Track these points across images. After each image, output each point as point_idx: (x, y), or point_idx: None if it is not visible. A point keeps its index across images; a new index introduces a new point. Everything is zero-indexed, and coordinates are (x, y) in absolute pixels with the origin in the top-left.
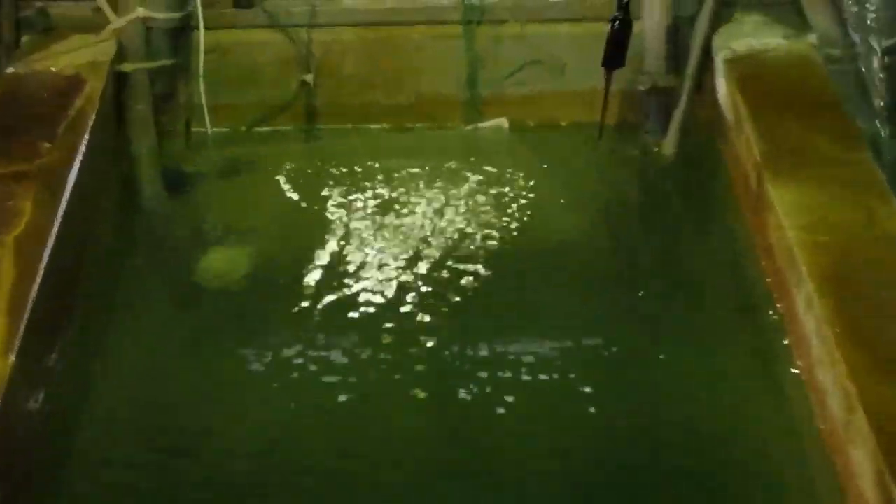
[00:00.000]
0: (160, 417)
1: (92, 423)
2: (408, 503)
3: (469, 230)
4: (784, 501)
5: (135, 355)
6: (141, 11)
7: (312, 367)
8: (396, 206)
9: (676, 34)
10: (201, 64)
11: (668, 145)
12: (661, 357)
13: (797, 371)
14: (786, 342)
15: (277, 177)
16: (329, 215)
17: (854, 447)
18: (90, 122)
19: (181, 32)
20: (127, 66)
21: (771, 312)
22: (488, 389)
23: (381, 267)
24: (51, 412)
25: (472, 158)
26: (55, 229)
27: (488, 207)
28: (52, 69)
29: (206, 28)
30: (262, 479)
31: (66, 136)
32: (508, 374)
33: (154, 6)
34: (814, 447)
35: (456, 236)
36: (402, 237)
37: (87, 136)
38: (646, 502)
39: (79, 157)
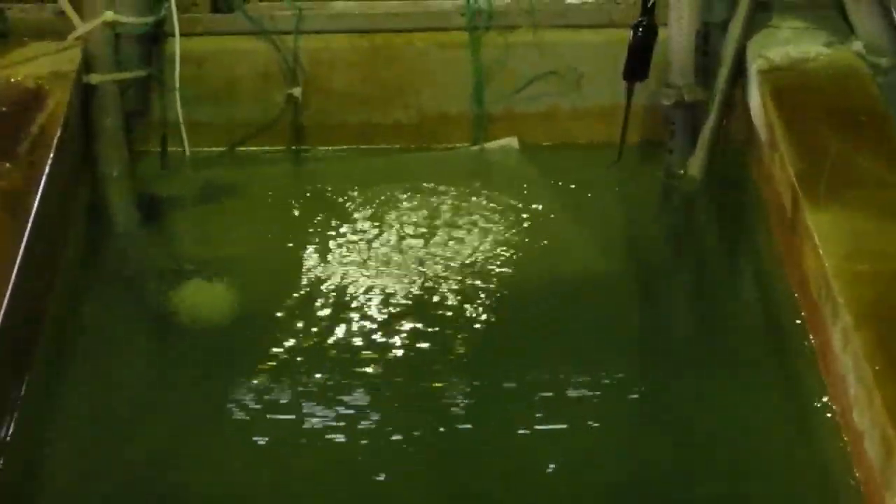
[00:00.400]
0: (125, 467)
1: (53, 472)
2: None
3: (473, 263)
4: None
5: (104, 400)
6: (108, 15)
7: (297, 416)
8: (393, 237)
9: (706, 42)
10: (177, 76)
11: (695, 166)
12: (684, 398)
13: (831, 414)
14: (820, 382)
15: (261, 203)
16: (318, 246)
17: (891, 494)
18: (55, 141)
19: (154, 40)
20: (94, 78)
21: (805, 349)
22: (500, 437)
23: (375, 304)
24: (11, 459)
25: (478, 183)
26: (18, 261)
27: (495, 237)
28: (11, 80)
29: (182, 35)
30: None
31: (29, 155)
32: (521, 422)
33: (123, 9)
34: (848, 494)
35: (459, 270)
36: (399, 271)
37: (51, 156)
38: None
39: (43, 180)
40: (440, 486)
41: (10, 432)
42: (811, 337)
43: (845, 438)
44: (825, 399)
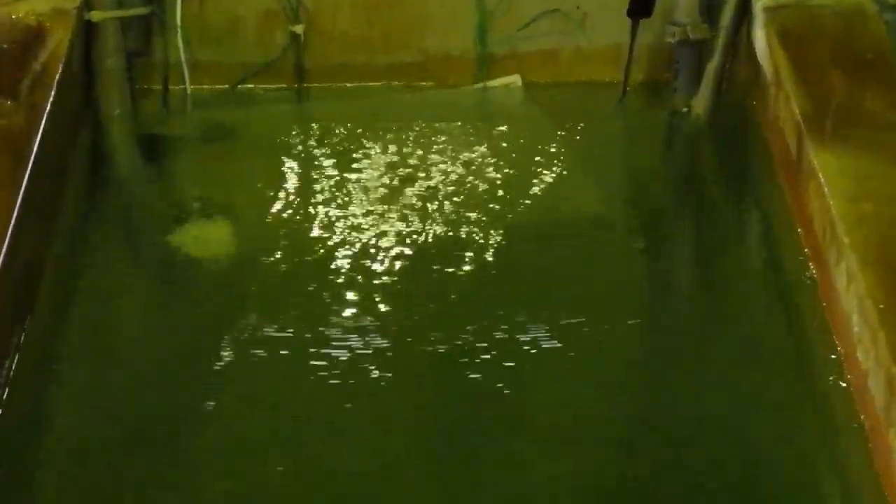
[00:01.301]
0: (128, 403)
1: (57, 413)
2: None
3: (477, 201)
4: (817, 481)
5: (105, 339)
6: None
7: (297, 355)
8: (395, 175)
9: None
10: (178, 14)
11: (700, 105)
12: (687, 339)
13: (835, 356)
14: (824, 322)
15: (264, 142)
16: (320, 184)
17: (895, 432)
18: (56, 80)
19: None
20: (95, 15)
21: (808, 289)
22: (500, 373)
23: (377, 241)
24: (15, 399)
25: (481, 121)
26: (19, 201)
27: (498, 176)
28: (12, 17)
29: None
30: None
31: (30, 95)
32: (522, 359)
33: None
34: (850, 432)
35: (463, 208)
36: (401, 209)
37: (52, 96)
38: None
39: (44, 120)
40: (437, 421)
41: (13, 373)
42: (815, 277)
43: (849, 378)
44: (829, 338)
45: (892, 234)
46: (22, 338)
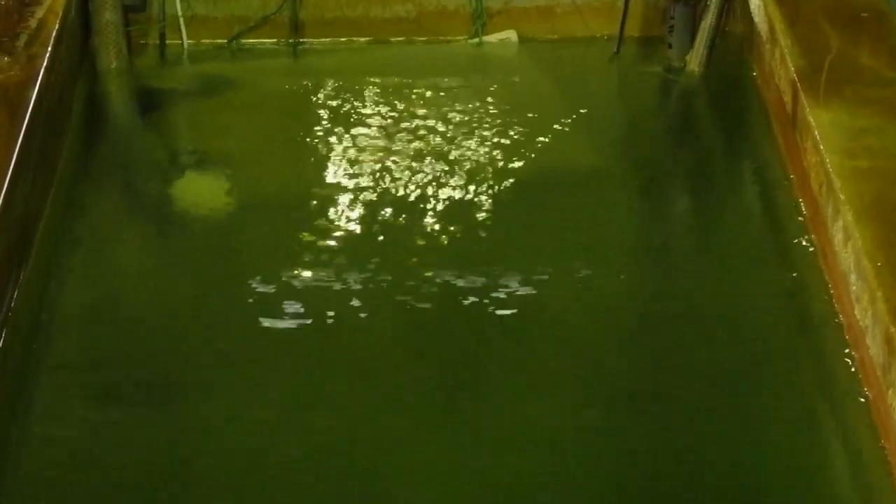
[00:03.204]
0: (122, 349)
1: (50, 356)
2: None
3: (472, 154)
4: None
5: (100, 290)
6: None
7: (288, 301)
8: (391, 129)
9: None
10: None
11: (694, 61)
12: (682, 290)
13: (832, 312)
14: (822, 279)
15: (260, 96)
16: (316, 139)
17: (895, 391)
18: (53, 35)
19: None
20: None
21: (806, 246)
22: (500, 312)
23: (373, 193)
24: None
25: (477, 76)
26: (15, 155)
27: (493, 129)
28: None
29: None
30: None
31: (27, 50)
32: (517, 304)
33: None
34: (852, 398)
35: (458, 161)
36: (398, 162)
37: (49, 50)
38: None
39: (41, 74)
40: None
41: (8, 317)
42: (812, 234)
43: (847, 338)
44: (826, 295)
45: (889, 190)
46: (19, 281)
